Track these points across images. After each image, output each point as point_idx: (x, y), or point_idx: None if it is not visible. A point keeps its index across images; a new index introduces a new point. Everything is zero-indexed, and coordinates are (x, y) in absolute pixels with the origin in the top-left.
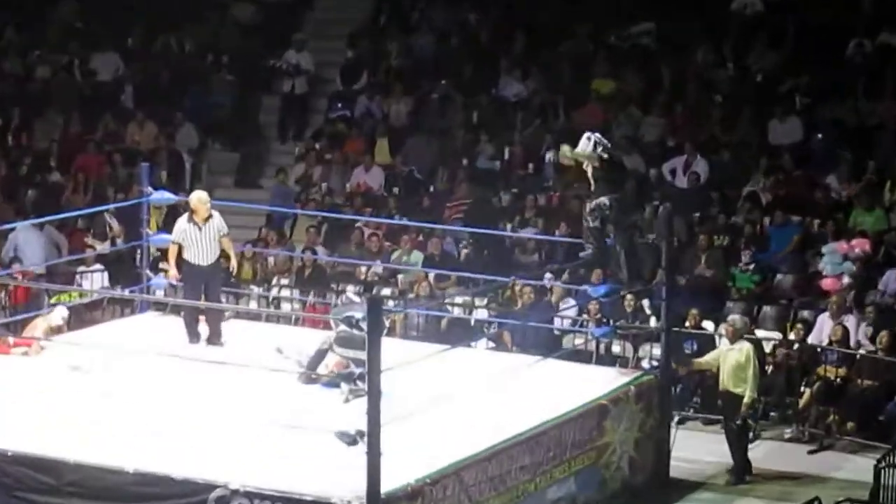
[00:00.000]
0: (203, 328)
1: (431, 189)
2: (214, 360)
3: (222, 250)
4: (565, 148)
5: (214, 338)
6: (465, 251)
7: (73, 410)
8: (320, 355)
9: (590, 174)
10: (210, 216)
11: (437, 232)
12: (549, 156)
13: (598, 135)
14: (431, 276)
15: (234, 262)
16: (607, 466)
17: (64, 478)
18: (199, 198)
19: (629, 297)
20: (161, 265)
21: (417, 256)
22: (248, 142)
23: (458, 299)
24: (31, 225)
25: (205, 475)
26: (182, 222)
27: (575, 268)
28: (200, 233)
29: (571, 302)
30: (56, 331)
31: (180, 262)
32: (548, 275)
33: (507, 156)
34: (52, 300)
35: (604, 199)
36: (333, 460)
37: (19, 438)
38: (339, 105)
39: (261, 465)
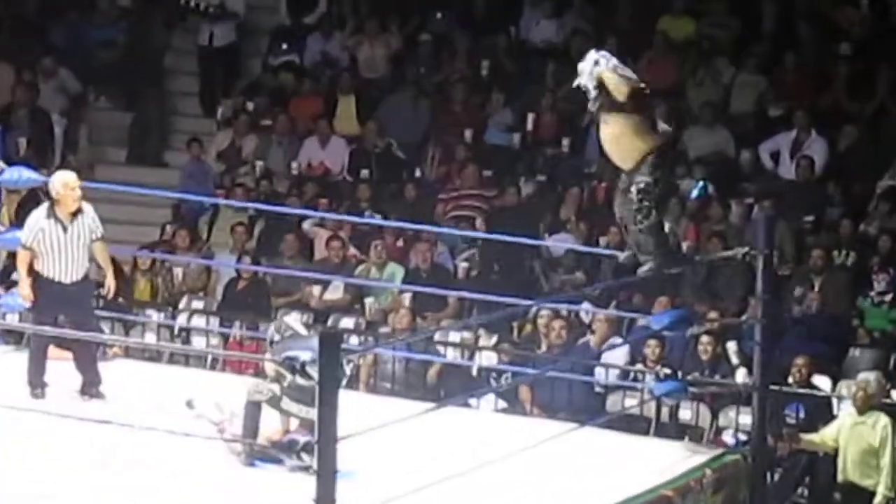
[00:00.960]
0: (64, 372)
1: (418, 173)
2: (90, 419)
3: (93, 259)
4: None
5: (90, 387)
6: (464, 265)
7: None
8: (253, 413)
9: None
10: (80, 210)
11: (424, 237)
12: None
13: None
14: (411, 300)
15: (109, 279)
16: None
17: None
18: (63, 182)
19: (705, 338)
20: (14, 276)
21: (395, 271)
22: (147, 97)
23: (454, 336)
24: None
25: None
26: (38, 218)
27: (625, 286)
28: (65, 235)
29: (619, 342)
30: None
31: (35, 275)
32: (585, 304)
33: (530, 126)
34: None
35: (648, 178)
36: None
37: None
38: (284, 47)
39: None
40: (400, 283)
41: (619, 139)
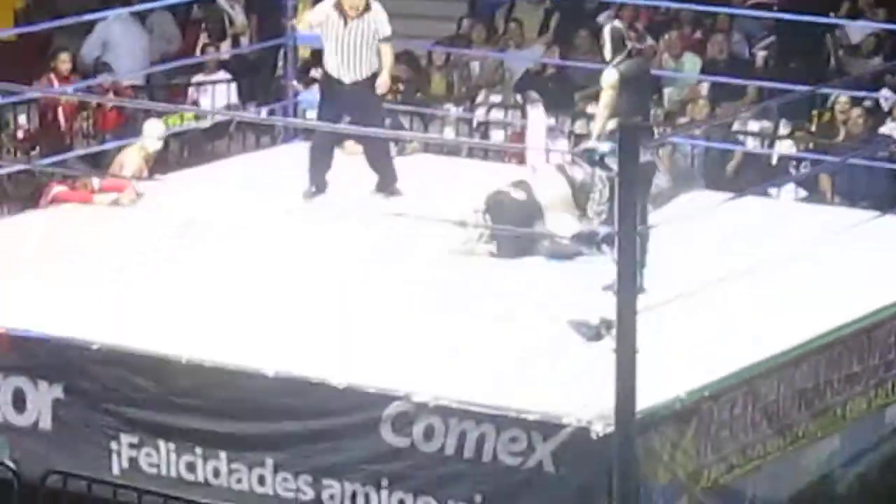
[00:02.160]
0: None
1: None
2: (384, 215)
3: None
4: None
5: (385, 185)
6: (762, 54)
7: (180, 290)
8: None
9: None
10: (367, 8)
11: (719, 26)
12: None
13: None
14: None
15: (383, 77)
16: None
17: (173, 384)
18: None
19: None
20: (313, 73)
21: (692, 62)
22: None
23: (753, 126)
24: (129, 15)
25: (378, 383)
26: (326, 4)
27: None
28: (345, 29)
29: None
30: (153, 159)
31: (322, 71)
32: (885, 91)
33: None
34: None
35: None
36: (565, 364)
37: (108, 328)
38: None
39: (457, 371)
40: (698, 73)
41: None
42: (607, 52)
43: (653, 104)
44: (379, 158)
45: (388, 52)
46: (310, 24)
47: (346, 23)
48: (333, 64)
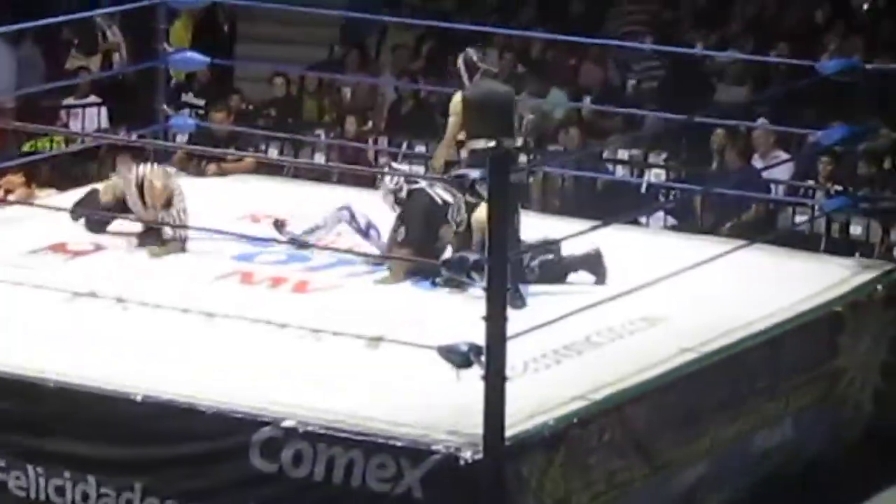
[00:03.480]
0: None
1: None
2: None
3: None
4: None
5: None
6: (634, 83)
7: (48, 312)
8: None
9: None
10: None
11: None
12: None
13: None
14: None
15: None
16: (842, 402)
17: (41, 407)
18: None
19: (878, 152)
20: (185, 97)
21: (558, 95)
22: None
23: (624, 154)
24: None
25: (246, 407)
26: None
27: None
28: None
29: (785, 157)
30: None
31: None
32: (762, 120)
33: None
34: (27, 146)
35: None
36: (435, 389)
37: None
38: None
39: (327, 395)
40: (566, 102)
41: None
42: (464, 78)
43: (517, 129)
44: None
45: None
46: None
47: None
48: None
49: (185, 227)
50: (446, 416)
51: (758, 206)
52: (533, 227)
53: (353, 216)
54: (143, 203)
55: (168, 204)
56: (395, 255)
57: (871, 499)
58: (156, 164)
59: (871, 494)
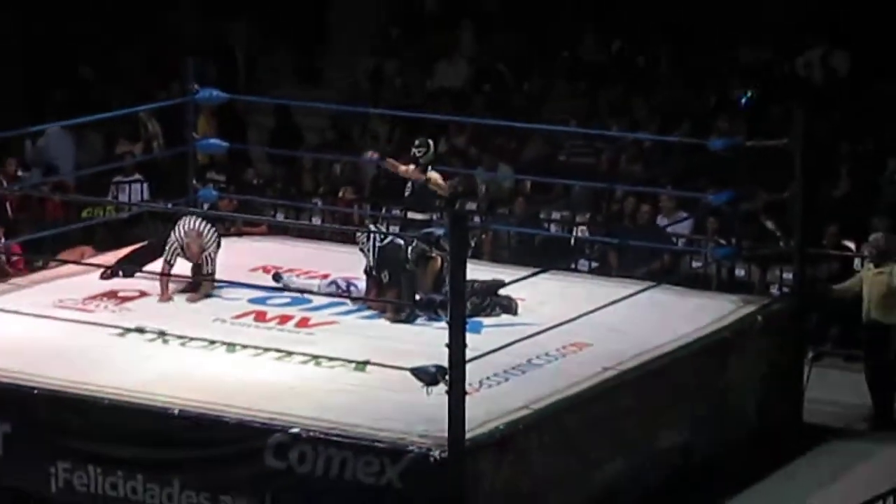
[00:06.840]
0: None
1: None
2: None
3: None
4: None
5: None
6: (563, 158)
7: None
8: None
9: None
10: None
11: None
12: None
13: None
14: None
15: None
16: (730, 411)
17: (98, 419)
18: None
19: (754, 211)
20: (209, 174)
21: (505, 169)
22: None
23: (556, 215)
24: (61, 128)
25: (262, 418)
26: None
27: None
28: None
29: (685, 216)
30: None
31: None
32: (669, 188)
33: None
34: (84, 213)
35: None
36: (410, 402)
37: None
38: None
39: (326, 408)
40: (512, 176)
41: None
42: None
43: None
44: None
45: None
46: None
47: None
48: None
49: (214, 279)
50: (419, 423)
51: (663, 256)
52: (486, 273)
53: (338, 286)
54: (185, 255)
55: (202, 251)
56: (380, 299)
57: (751, 487)
58: (195, 222)
59: (752, 484)
